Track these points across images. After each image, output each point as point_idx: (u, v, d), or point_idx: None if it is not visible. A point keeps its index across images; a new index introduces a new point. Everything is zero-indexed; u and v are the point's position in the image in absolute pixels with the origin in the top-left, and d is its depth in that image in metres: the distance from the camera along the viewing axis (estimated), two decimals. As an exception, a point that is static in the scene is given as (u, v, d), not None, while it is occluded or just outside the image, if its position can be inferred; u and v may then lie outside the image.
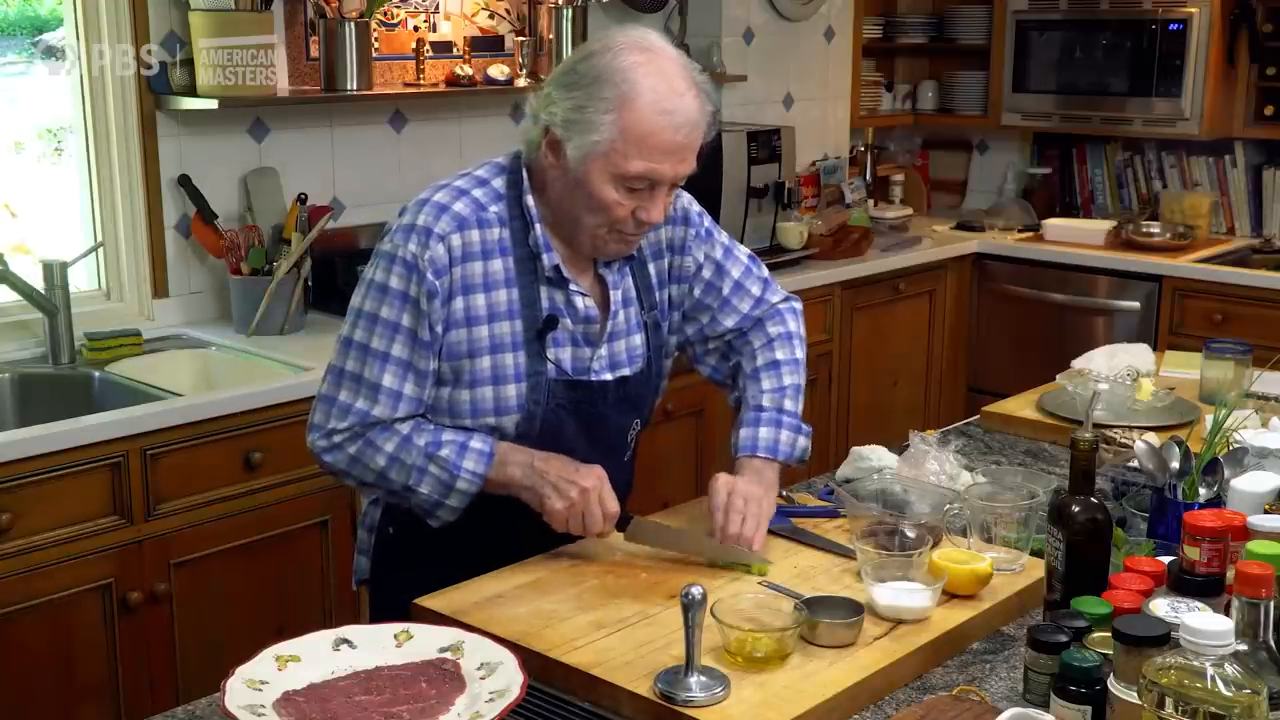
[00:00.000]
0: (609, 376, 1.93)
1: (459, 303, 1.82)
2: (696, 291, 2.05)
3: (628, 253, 1.92)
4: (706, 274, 2.04)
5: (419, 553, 1.95)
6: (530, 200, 1.86)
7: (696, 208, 2.05)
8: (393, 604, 1.77)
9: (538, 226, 1.85)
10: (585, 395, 1.91)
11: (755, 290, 2.09)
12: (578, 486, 1.81)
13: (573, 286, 1.88)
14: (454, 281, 1.81)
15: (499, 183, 1.87)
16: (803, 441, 2.02)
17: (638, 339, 1.97)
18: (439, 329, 1.81)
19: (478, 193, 1.86)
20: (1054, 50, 4.77)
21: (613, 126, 1.74)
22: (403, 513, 1.96)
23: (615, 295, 1.93)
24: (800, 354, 2.10)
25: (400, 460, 1.83)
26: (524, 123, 1.87)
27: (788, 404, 2.03)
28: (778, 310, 2.12)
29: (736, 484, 1.90)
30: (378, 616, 1.87)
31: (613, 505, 1.83)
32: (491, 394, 1.85)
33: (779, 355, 2.07)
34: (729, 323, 2.07)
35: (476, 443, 1.84)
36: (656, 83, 1.74)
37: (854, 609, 1.65)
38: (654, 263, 2.00)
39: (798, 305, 2.17)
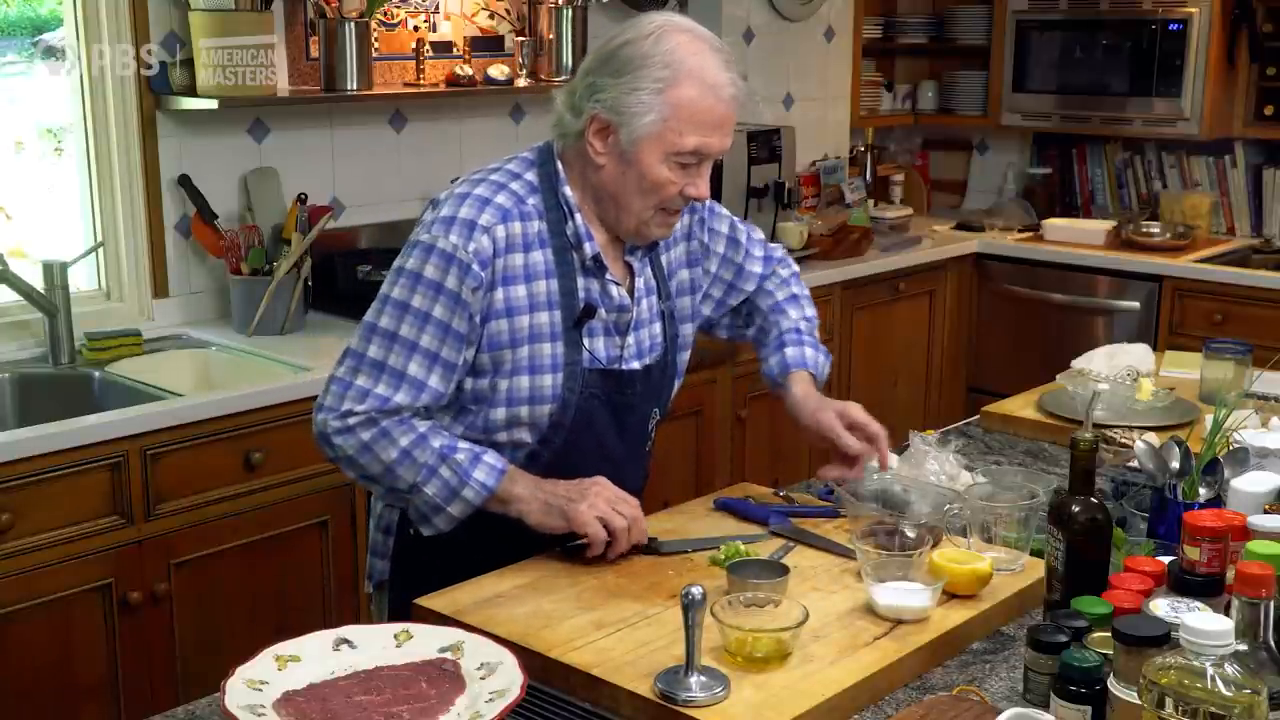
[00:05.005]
0: (636, 365, 1.97)
1: (499, 293, 1.84)
2: (714, 267, 2.13)
3: (668, 235, 1.98)
4: (719, 248, 2.13)
5: (443, 554, 1.92)
6: (567, 191, 1.89)
7: None
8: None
9: (577, 216, 1.89)
10: (616, 384, 1.94)
11: (758, 252, 2.19)
12: (629, 505, 1.85)
13: (608, 275, 1.92)
14: (495, 273, 1.83)
15: (531, 176, 1.91)
16: (828, 368, 2.17)
17: (656, 328, 2.01)
18: (477, 319, 1.83)
19: (515, 186, 1.89)
20: (1054, 50, 4.77)
21: (667, 105, 1.80)
22: None
23: (639, 283, 1.98)
24: (808, 292, 2.26)
25: (413, 456, 1.82)
26: (559, 116, 1.91)
27: (816, 332, 2.20)
28: (783, 258, 2.24)
29: (850, 410, 2.03)
30: (397, 618, 1.84)
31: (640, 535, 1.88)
32: (527, 383, 1.87)
33: (795, 290, 2.22)
34: (749, 286, 2.18)
35: (490, 457, 1.84)
36: (702, 60, 1.82)
37: (779, 571, 1.73)
38: (666, 252, 2.04)
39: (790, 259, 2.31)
